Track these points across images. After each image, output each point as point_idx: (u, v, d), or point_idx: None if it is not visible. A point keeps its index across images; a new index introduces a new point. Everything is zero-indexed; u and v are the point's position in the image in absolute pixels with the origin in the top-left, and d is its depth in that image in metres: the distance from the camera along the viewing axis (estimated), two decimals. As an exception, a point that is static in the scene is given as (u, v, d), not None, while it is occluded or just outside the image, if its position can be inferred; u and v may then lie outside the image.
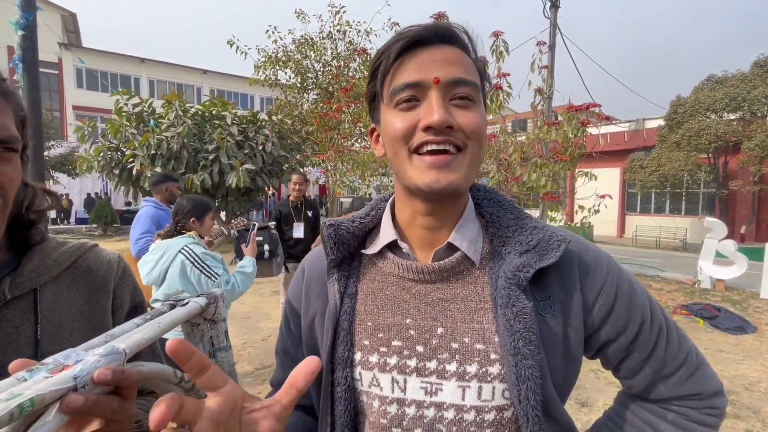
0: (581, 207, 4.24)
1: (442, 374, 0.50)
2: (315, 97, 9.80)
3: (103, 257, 0.67)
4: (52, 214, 13.38)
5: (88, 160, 8.45)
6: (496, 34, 4.16)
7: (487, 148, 4.20)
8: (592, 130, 4.22)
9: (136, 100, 8.62)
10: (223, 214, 10.04)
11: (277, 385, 0.65)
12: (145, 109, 8.77)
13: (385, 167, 5.65)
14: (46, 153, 12.56)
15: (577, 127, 4.06)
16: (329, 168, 6.46)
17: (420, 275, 0.54)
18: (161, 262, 1.94)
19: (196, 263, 1.90)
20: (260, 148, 8.97)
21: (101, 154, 8.41)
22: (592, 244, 0.57)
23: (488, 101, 4.19)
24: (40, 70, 3.16)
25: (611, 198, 4.22)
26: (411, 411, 0.51)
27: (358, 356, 0.54)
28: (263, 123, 9.57)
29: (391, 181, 6.15)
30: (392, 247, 0.57)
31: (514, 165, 4.11)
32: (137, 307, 0.70)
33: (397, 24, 5.74)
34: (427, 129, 0.47)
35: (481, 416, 0.49)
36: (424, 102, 0.48)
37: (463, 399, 0.49)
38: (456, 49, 0.50)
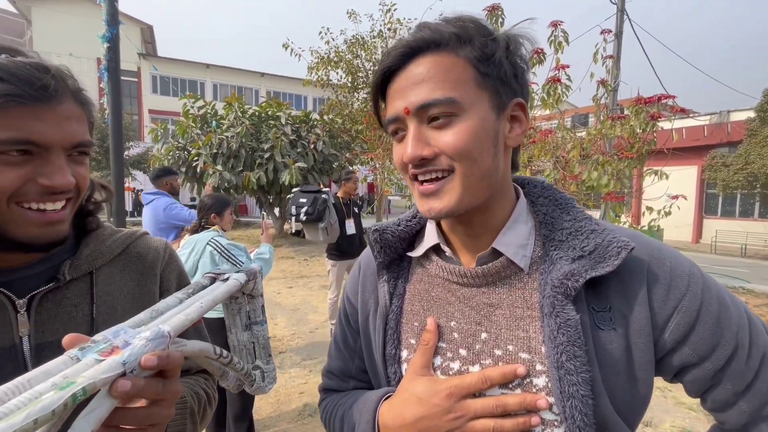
0: (649, 208, 3.87)
1: None
2: (365, 96, 9.91)
3: (151, 244, 0.72)
4: (128, 207, 14.81)
5: (160, 158, 9.27)
6: (555, 24, 3.91)
7: (543, 144, 3.97)
8: (664, 125, 3.83)
9: (200, 102, 9.29)
10: (276, 210, 10.51)
11: (336, 374, 0.68)
12: (208, 111, 9.42)
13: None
14: (126, 153, 14.00)
15: (645, 121, 3.70)
16: (377, 166, 6.50)
17: (464, 279, 0.53)
18: (193, 255, 2.19)
19: (223, 253, 2.14)
20: (312, 146, 9.27)
21: (170, 153, 9.17)
22: (673, 251, 0.50)
23: (544, 95, 3.93)
24: (122, 78, 3.49)
25: (685, 199, 3.81)
26: None
27: (404, 354, 0.56)
28: (315, 122, 9.88)
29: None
30: (437, 249, 0.57)
31: (572, 163, 3.85)
32: (181, 284, 0.75)
33: (449, 18, 5.58)
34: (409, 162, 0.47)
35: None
36: (407, 133, 0.48)
37: None
38: (429, 59, 0.46)
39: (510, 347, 0.48)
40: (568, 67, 3.90)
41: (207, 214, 2.30)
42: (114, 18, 3.45)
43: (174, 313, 0.45)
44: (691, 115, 12.64)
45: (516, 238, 0.51)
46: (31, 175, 0.51)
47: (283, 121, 9.29)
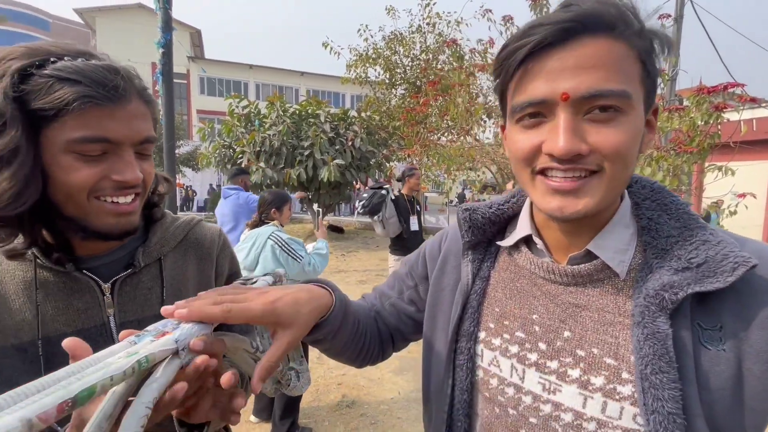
0: (713, 206, 3.57)
1: (562, 377, 0.48)
2: (403, 92, 9.88)
3: (207, 230, 0.78)
4: (179, 202, 15.82)
5: (207, 156, 9.78)
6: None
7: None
8: (731, 116, 3.51)
9: (245, 102, 9.68)
10: (315, 206, 10.76)
11: (378, 291, 0.74)
12: (252, 110, 9.79)
13: (473, 161, 5.44)
14: (177, 151, 14.94)
15: (708, 112, 3.41)
16: (414, 162, 6.47)
17: (552, 275, 0.52)
18: (254, 248, 2.24)
19: (283, 247, 2.21)
20: (350, 143, 9.38)
21: (217, 151, 9.64)
22: None
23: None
24: (174, 81, 3.71)
25: (755, 197, 3.47)
26: (528, 400, 0.51)
27: (482, 335, 0.56)
28: (353, 120, 9.98)
29: (478, 175, 5.91)
30: (528, 241, 0.56)
31: (623, 158, 3.62)
32: (233, 275, 0.80)
33: (490, 11, 5.44)
34: (551, 156, 0.42)
35: (603, 431, 0.45)
36: (551, 120, 0.42)
37: (583, 407, 0.46)
38: (601, 42, 0.40)
39: (595, 350, 0.47)
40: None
41: (267, 209, 2.38)
42: (168, 25, 3.66)
43: None
44: (764, 104, 11.46)
45: (615, 242, 0.48)
46: (106, 171, 0.55)
47: (322, 119, 9.47)
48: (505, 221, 0.61)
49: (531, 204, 0.57)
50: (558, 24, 0.40)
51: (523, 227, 0.56)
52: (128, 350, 0.37)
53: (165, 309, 0.42)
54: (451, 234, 0.67)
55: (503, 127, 0.55)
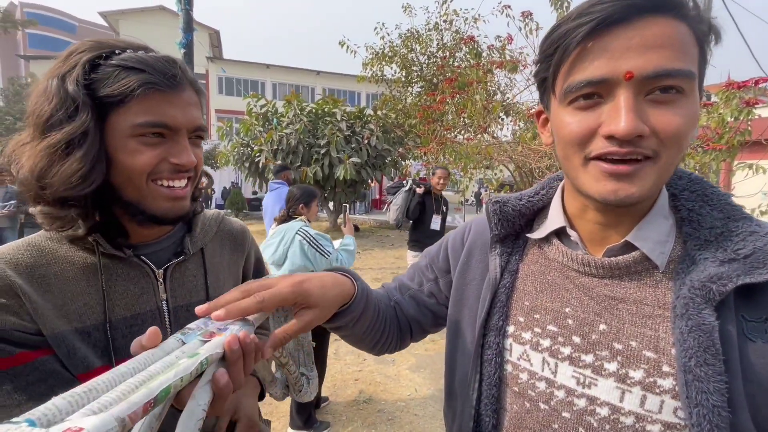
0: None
1: (598, 370, 0.47)
2: (419, 89, 9.84)
3: (235, 224, 0.84)
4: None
5: (226, 155, 9.96)
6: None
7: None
8: (762, 112, 3.38)
9: (262, 101, 9.81)
10: (331, 204, 10.84)
11: (397, 283, 0.74)
12: (269, 109, 9.92)
13: (490, 160, 5.38)
14: (196, 149, 15.19)
15: (738, 108, 3.29)
16: (431, 161, 6.44)
17: (586, 268, 0.51)
18: (282, 244, 2.26)
19: (312, 243, 2.21)
20: (365, 142, 9.41)
21: (235, 150, 9.81)
22: None
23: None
24: (195, 80, 3.80)
25: (787, 197, 3.33)
26: (560, 394, 0.50)
27: (511, 329, 0.55)
28: (369, 118, 10.00)
29: (495, 174, 5.84)
30: (559, 233, 0.55)
31: (647, 156, 3.53)
32: (258, 264, 0.87)
33: (509, 7, 5.37)
34: (611, 137, 0.41)
35: (642, 425, 0.44)
36: (609, 101, 0.41)
37: (621, 401, 0.45)
38: (666, 21, 0.39)
39: (633, 343, 0.46)
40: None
41: (295, 204, 2.38)
42: (189, 25, 3.75)
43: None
44: (795, 100, 10.96)
45: (655, 234, 0.47)
46: (164, 155, 0.58)
47: (338, 117, 9.53)
48: (534, 213, 0.60)
49: (562, 195, 0.56)
50: (623, 1, 0.39)
51: (555, 219, 0.55)
52: (183, 350, 0.38)
53: (198, 309, 0.44)
54: (475, 227, 0.66)
55: (539, 114, 0.55)
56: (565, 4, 3.90)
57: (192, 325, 0.43)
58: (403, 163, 10.28)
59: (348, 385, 3.01)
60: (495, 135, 5.71)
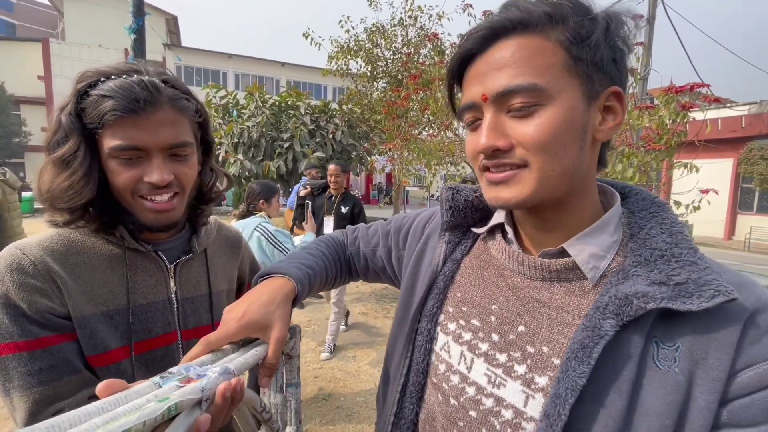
0: (677, 203, 3.72)
1: (508, 371, 0.47)
2: (384, 85, 9.83)
3: (230, 229, 0.92)
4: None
5: (184, 147, 9.50)
6: (582, 9, 3.75)
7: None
8: (697, 115, 3.65)
9: (222, 92, 9.43)
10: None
11: (351, 235, 0.80)
12: (230, 100, 9.56)
13: (453, 156, 5.48)
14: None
15: (676, 111, 3.53)
16: (395, 156, 6.47)
17: (519, 267, 0.52)
18: None
19: (270, 239, 2.18)
20: (330, 136, 9.30)
21: (194, 143, 9.38)
22: None
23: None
24: (146, 68, 3.59)
25: (717, 194, 3.63)
26: (471, 391, 0.50)
27: (441, 318, 0.57)
28: (334, 112, 9.88)
29: (458, 170, 5.96)
30: (504, 231, 0.56)
31: (595, 154, 3.71)
32: (253, 265, 0.95)
33: (471, 6, 5.46)
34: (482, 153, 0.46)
35: None
36: (482, 121, 0.46)
37: (524, 406, 0.45)
38: (512, 42, 0.42)
39: (545, 348, 0.46)
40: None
41: (255, 200, 2.34)
42: (140, 9, 3.51)
43: (234, 357, 0.51)
44: (728, 105, 11.93)
45: (593, 247, 0.46)
46: (140, 174, 0.63)
47: (302, 110, 9.33)
48: (488, 209, 0.60)
49: None
50: (479, 32, 0.44)
51: (498, 216, 0.57)
52: (156, 393, 0.38)
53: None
54: (438, 216, 0.67)
55: None
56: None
57: (173, 369, 0.44)
58: (369, 158, 10.26)
59: (308, 383, 2.98)
60: (457, 132, 5.82)
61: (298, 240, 2.43)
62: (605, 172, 3.66)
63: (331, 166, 3.49)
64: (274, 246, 2.20)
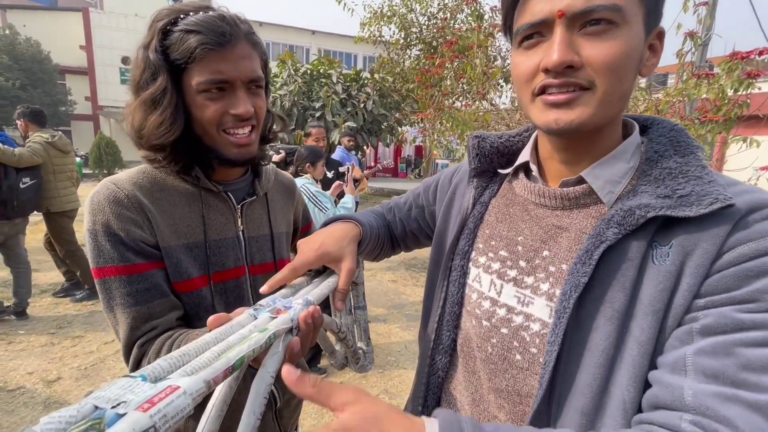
0: (731, 180, 3.47)
1: (535, 290, 0.52)
2: (418, 52, 9.53)
3: (287, 177, 0.98)
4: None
5: (218, 116, 9.71)
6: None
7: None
8: (763, 85, 3.35)
9: (255, 61, 9.44)
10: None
11: (389, 207, 0.84)
12: (262, 69, 9.58)
13: (487, 127, 5.33)
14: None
15: (739, 79, 3.25)
16: (427, 127, 6.36)
17: (541, 199, 0.55)
18: None
19: (311, 199, 2.43)
20: (362, 106, 9.21)
21: (228, 111, 9.56)
22: None
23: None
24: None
25: (777, 171, 3.37)
26: (501, 312, 0.55)
27: (473, 254, 0.61)
28: (366, 81, 9.73)
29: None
30: (528, 170, 0.59)
31: (644, 126, 3.50)
32: (305, 211, 1.04)
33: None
34: (546, 70, 0.45)
35: None
36: (548, 39, 0.45)
37: (549, 317, 0.50)
38: None
39: (564, 266, 0.50)
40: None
41: (303, 163, 2.62)
42: (178, -26, 3.54)
43: (311, 289, 0.58)
44: (797, 74, 10.78)
45: (609, 173, 0.50)
46: (225, 107, 0.67)
47: (334, 79, 9.26)
48: (514, 154, 0.63)
49: (536, 136, 0.59)
50: None
51: (523, 156, 0.59)
52: (255, 323, 0.44)
53: (262, 289, 0.56)
54: (465, 166, 0.71)
55: None
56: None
57: (263, 301, 0.50)
58: (400, 129, 10.14)
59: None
60: (493, 102, 5.62)
61: (338, 205, 2.56)
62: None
63: (314, 130, 3.68)
64: (315, 205, 2.41)
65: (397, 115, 9.80)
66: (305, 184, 2.47)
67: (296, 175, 2.62)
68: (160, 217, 0.69)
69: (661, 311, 0.42)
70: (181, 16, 0.64)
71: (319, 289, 0.57)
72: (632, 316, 0.43)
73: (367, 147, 10.19)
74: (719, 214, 0.41)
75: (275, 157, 3.79)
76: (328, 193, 2.53)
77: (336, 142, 7.81)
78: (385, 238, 0.78)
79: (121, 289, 0.65)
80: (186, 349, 0.37)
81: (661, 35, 0.48)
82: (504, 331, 0.54)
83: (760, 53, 3.23)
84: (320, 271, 0.64)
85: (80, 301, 3.64)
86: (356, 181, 4.30)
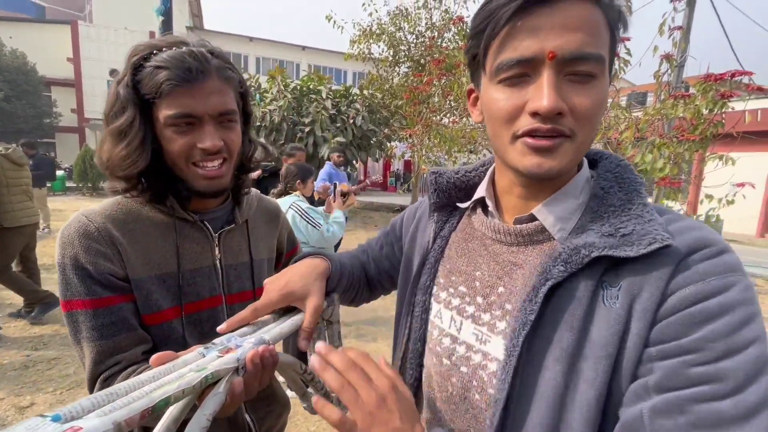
0: (708, 196, 3.59)
1: (492, 328, 0.52)
2: (406, 69, 9.70)
3: (270, 202, 0.97)
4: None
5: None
6: (618, -9, 3.59)
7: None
8: (736, 105, 3.49)
9: (245, 76, 9.49)
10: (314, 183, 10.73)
11: (363, 249, 0.82)
12: (252, 84, 9.63)
13: (474, 144, 5.41)
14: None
15: (714, 100, 3.38)
16: (416, 143, 6.43)
17: (498, 235, 0.56)
18: None
19: (303, 216, 2.41)
20: (351, 121, 9.29)
21: (217, 126, 9.53)
22: (729, 252, 0.42)
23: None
24: (172, 50, 3.65)
25: (753, 188, 3.49)
26: (461, 350, 0.54)
27: (434, 289, 0.61)
28: (355, 97, 9.84)
29: (478, 158, 5.88)
30: (486, 205, 0.60)
31: (625, 144, 3.62)
32: (291, 236, 1.01)
33: (499, -13, 5.25)
34: (535, 114, 0.43)
35: None
36: (535, 80, 0.43)
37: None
38: (583, 4, 0.41)
39: (520, 304, 0.50)
40: (628, 39, 3.60)
41: (292, 180, 2.57)
42: (168, -9, 3.56)
43: (271, 327, 0.56)
44: (769, 95, 11.28)
45: (559, 210, 0.50)
46: (193, 141, 0.67)
47: (323, 95, 9.34)
48: (471, 188, 0.64)
49: (494, 171, 0.60)
50: None
51: (479, 192, 0.60)
52: (198, 362, 0.43)
53: (220, 328, 0.54)
54: (426, 201, 0.71)
55: (470, 92, 0.56)
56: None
57: (217, 340, 0.48)
58: (389, 144, 10.22)
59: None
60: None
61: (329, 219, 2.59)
62: (637, 161, 3.56)
63: (298, 153, 3.71)
64: (308, 222, 2.38)
65: (386, 130, 9.89)
66: (296, 201, 2.43)
67: (286, 192, 2.58)
68: (131, 248, 0.69)
69: (613, 355, 0.41)
70: (155, 51, 0.66)
71: (280, 328, 0.55)
72: (584, 357, 0.42)
73: (357, 162, 10.24)
74: (661, 255, 0.42)
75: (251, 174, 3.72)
76: (320, 209, 2.52)
77: (325, 158, 7.84)
78: (360, 280, 0.76)
79: (87, 322, 0.65)
80: (116, 388, 0.36)
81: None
82: (464, 369, 0.53)
83: (732, 75, 3.37)
84: (290, 308, 0.62)
85: (37, 319, 3.47)
86: (344, 195, 4.31)
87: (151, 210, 0.73)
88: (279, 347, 0.58)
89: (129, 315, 0.68)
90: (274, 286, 0.60)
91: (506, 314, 0.51)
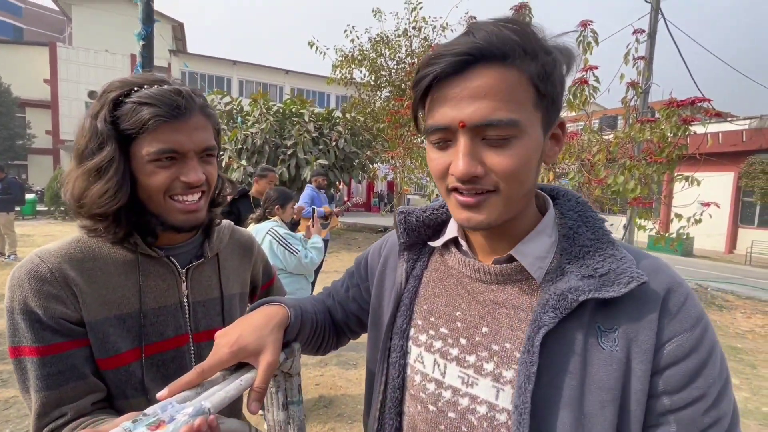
0: (678, 216, 3.73)
1: (479, 370, 0.51)
2: (387, 94, 9.92)
3: (243, 234, 0.94)
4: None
5: (187, 152, 9.58)
6: (584, 24, 3.81)
7: (568, 146, 3.88)
8: (698, 129, 3.68)
9: (227, 99, 9.53)
10: (296, 207, 10.67)
11: (328, 292, 0.78)
12: (234, 107, 9.66)
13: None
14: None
15: (677, 125, 3.57)
16: (397, 164, 6.51)
17: (477, 274, 0.55)
18: None
19: (280, 242, 2.36)
20: (333, 144, 9.36)
21: (197, 148, 9.46)
22: (693, 292, 0.48)
23: (570, 96, 3.83)
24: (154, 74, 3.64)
25: (718, 207, 3.65)
26: (447, 395, 0.52)
27: (412, 331, 0.59)
28: (337, 120, 9.97)
29: (459, 179, 5.98)
30: (457, 242, 0.59)
31: (597, 166, 3.75)
32: (266, 267, 0.99)
33: (474, 18, 5.53)
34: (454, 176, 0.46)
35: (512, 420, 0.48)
36: (454, 144, 0.46)
37: (496, 399, 0.49)
38: (492, 71, 0.43)
39: (507, 345, 0.50)
40: (596, 68, 3.80)
41: (271, 205, 2.50)
42: (149, 17, 3.57)
43: (216, 390, 0.49)
44: (729, 119, 12.01)
45: (536, 250, 0.51)
46: (176, 174, 0.67)
47: (306, 118, 9.42)
48: (440, 225, 0.64)
49: None
50: (454, 57, 0.43)
51: (451, 230, 0.60)
52: None
53: (159, 395, 0.47)
54: (392, 238, 0.69)
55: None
56: (528, 18, 4.08)
57: (149, 410, 0.43)
58: (371, 166, 10.32)
59: (308, 390, 2.97)
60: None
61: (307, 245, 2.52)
62: (607, 183, 3.69)
63: (270, 174, 3.66)
64: (285, 248, 2.32)
65: (368, 152, 10.02)
66: (274, 227, 2.38)
67: (264, 218, 2.52)
68: (89, 289, 0.66)
69: (618, 398, 0.44)
70: (135, 88, 0.65)
71: (225, 391, 0.49)
72: (588, 401, 0.44)
73: (340, 183, 10.27)
74: (643, 294, 0.46)
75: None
76: (299, 234, 2.46)
77: (307, 180, 7.83)
78: (325, 325, 0.71)
79: (33, 370, 0.61)
80: None
81: (562, 125, 0.51)
82: (451, 415, 0.52)
83: (692, 102, 3.57)
84: (244, 364, 0.56)
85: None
86: (326, 218, 4.32)
87: (113, 247, 0.70)
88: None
89: (80, 362, 0.64)
90: (225, 341, 0.54)
91: (494, 355, 0.50)
